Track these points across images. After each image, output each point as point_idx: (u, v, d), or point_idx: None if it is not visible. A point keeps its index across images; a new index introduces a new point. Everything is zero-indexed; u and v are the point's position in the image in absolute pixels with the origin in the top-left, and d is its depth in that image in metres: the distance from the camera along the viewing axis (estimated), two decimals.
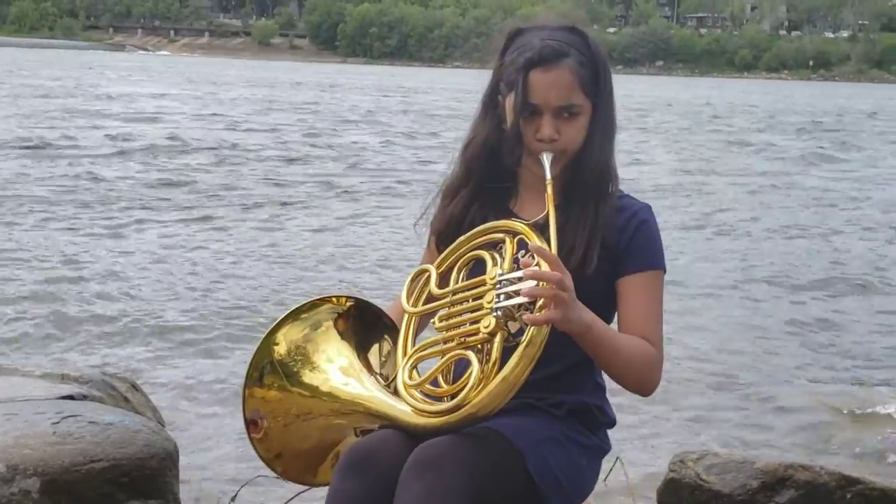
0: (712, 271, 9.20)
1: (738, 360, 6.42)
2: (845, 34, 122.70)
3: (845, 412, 5.32)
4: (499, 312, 2.02)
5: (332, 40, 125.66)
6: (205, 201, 12.07)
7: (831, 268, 9.59)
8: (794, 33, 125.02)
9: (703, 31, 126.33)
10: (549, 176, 2.19)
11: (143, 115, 23.81)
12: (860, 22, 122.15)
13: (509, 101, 2.22)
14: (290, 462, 2.24)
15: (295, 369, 2.20)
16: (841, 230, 11.97)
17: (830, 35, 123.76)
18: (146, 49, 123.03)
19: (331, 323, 2.25)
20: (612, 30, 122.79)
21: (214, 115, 25.22)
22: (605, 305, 2.23)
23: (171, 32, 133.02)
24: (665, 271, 2.28)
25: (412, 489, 1.95)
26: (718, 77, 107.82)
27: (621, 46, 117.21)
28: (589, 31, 2.28)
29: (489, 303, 2.05)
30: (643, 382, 2.20)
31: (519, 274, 2.03)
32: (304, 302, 2.26)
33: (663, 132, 26.43)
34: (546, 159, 2.20)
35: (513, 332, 2.04)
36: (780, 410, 5.41)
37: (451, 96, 38.18)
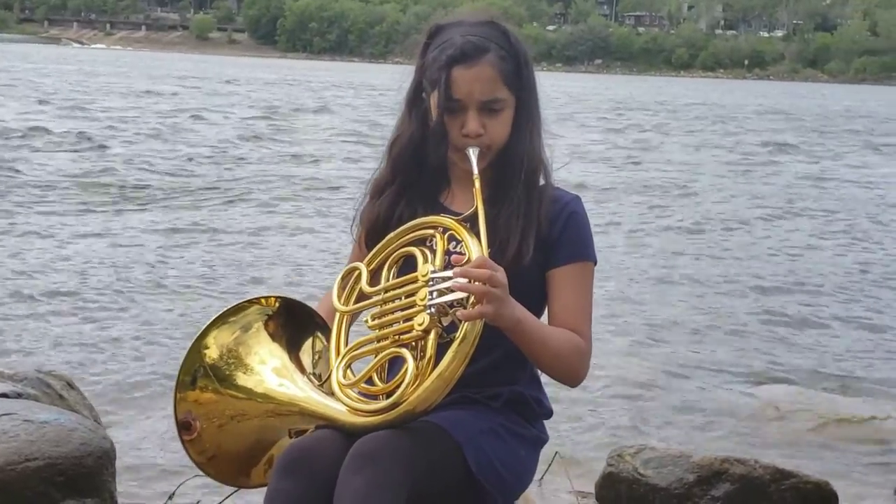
0: (646, 267, 9.29)
1: (677, 355, 6.48)
2: (780, 33, 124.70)
3: (782, 409, 5.39)
4: (432, 309, 2.03)
5: (272, 35, 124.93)
6: (154, 198, 11.93)
7: (774, 265, 9.73)
8: (729, 32, 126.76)
9: (640, 29, 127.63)
10: (475, 171, 2.20)
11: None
12: (794, 21, 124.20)
13: (433, 99, 2.23)
14: (223, 464, 2.22)
15: (228, 372, 2.18)
16: (783, 227, 12.15)
17: (765, 34, 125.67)
18: (81, 42, 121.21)
19: (261, 324, 2.24)
20: (551, 27, 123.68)
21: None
22: (537, 296, 2.25)
23: (108, 26, 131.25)
24: (595, 263, 2.30)
25: (352, 484, 1.95)
26: (656, 75, 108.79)
27: (560, 44, 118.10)
28: (510, 26, 2.29)
29: (422, 300, 2.05)
30: (571, 374, 2.21)
31: (451, 272, 2.03)
32: (231, 305, 2.24)
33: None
34: (473, 154, 2.22)
35: (445, 327, 2.05)
36: (717, 406, 5.47)
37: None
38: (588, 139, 22.91)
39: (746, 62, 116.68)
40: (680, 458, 3.70)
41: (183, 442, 2.20)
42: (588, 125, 27.55)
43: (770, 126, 30.98)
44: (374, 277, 2.22)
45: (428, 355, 2.03)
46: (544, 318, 2.25)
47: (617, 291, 8.11)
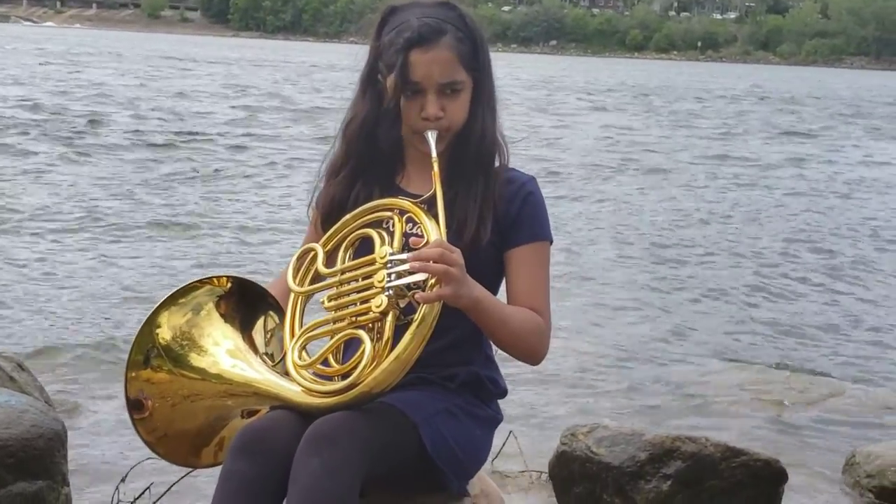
0: (603, 246, 9.35)
1: (631, 334, 6.54)
2: (732, 16, 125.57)
3: (735, 387, 5.45)
4: (390, 291, 2.02)
5: (225, 13, 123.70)
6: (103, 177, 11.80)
7: (730, 247, 9.83)
8: (683, 14, 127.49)
9: (595, 11, 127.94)
10: (434, 154, 2.20)
11: None
12: (747, 4, 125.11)
13: (390, 81, 2.21)
14: (173, 444, 2.21)
15: (182, 353, 2.17)
16: (736, 214, 12.27)
17: (718, 16, 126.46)
18: (32, 20, 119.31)
19: (212, 305, 2.22)
20: (506, 8, 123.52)
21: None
22: (494, 277, 2.26)
23: (58, 3, 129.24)
24: (551, 242, 2.32)
25: (308, 465, 1.95)
26: (610, 57, 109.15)
27: (516, 25, 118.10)
28: (465, 7, 2.29)
29: (380, 282, 2.04)
30: (531, 352, 2.23)
31: (409, 255, 2.03)
32: (182, 285, 2.23)
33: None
34: (431, 137, 2.21)
35: (403, 308, 2.05)
36: (670, 385, 5.53)
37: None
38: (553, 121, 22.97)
39: (699, 44, 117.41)
40: (632, 436, 3.73)
41: (133, 421, 2.18)
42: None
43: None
44: (330, 259, 2.21)
45: (385, 337, 2.03)
46: (503, 297, 2.26)
47: (572, 270, 8.15)
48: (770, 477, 3.76)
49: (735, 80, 56.36)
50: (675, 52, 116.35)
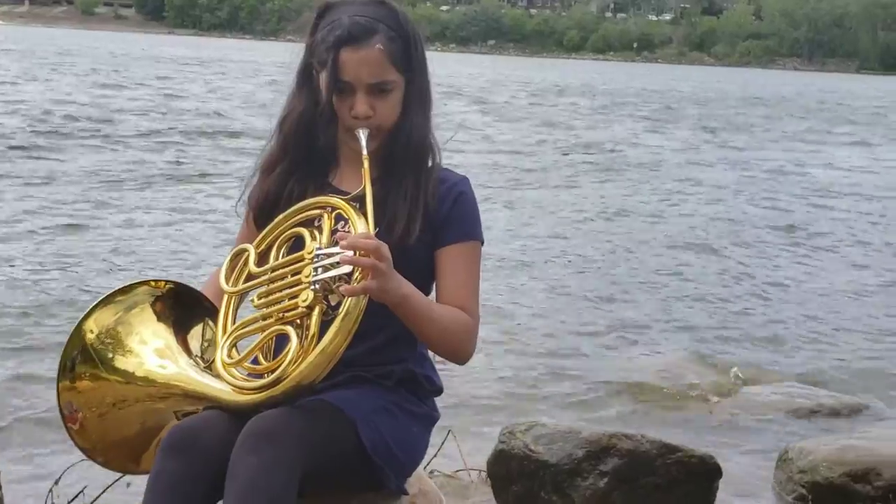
0: (542, 242, 9.40)
1: (570, 333, 6.58)
2: (668, 17, 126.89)
3: (671, 383, 5.52)
4: (316, 286, 2.02)
5: (160, 11, 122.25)
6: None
7: (666, 241, 9.94)
8: (619, 15, 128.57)
9: (533, 11, 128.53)
10: (365, 152, 2.20)
11: None
12: (682, 5, 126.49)
13: (323, 79, 2.22)
14: (111, 452, 2.19)
15: (108, 355, 2.14)
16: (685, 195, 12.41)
17: (654, 18, 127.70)
18: None
19: (147, 305, 2.20)
20: (444, 8, 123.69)
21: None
22: (425, 276, 2.26)
23: None
24: (483, 242, 2.32)
25: (246, 462, 1.93)
26: (547, 57, 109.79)
27: (454, 25, 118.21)
28: (400, 6, 2.27)
29: (307, 277, 2.04)
30: (458, 351, 2.23)
31: (336, 248, 2.03)
32: (118, 287, 2.20)
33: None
34: (362, 135, 2.21)
35: (332, 305, 2.04)
36: (608, 382, 5.57)
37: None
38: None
39: (636, 45, 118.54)
40: (569, 433, 3.77)
41: (68, 431, 2.15)
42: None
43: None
44: (262, 259, 2.20)
45: (311, 332, 2.02)
46: (432, 296, 2.26)
47: (506, 268, 8.18)
48: (705, 473, 3.82)
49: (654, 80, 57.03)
50: (611, 53, 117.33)
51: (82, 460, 3.32)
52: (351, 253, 1.99)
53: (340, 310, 2.01)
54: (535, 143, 19.01)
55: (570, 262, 8.81)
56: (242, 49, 65.58)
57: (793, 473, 4.15)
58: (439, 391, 2.37)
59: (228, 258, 2.23)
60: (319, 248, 2.07)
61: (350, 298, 2.00)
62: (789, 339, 6.76)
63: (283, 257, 2.17)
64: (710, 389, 5.40)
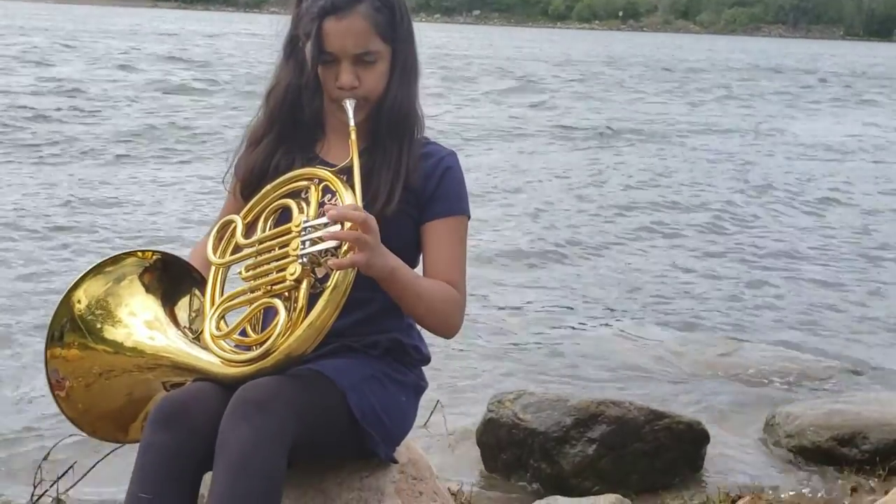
0: (529, 217, 9.40)
1: (555, 301, 6.60)
2: None
3: (659, 351, 5.54)
4: (304, 259, 2.02)
5: None
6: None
7: (641, 212, 9.95)
8: None
9: None
10: (352, 123, 2.19)
11: None
12: None
13: (308, 50, 2.21)
14: (98, 421, 2.20)
15: (97, 325, 2.14)
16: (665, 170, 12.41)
17: None
18: None
19: (135, 276, 2.20)
20: None
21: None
22: (412, 250, 2.26)
23: None
24: (469, 217, 2.32)
25: (238, 430, 1.94)
26: (533, 27, 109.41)
27: None
28: None
29: (295, 250, 2.05)
30: (446, 326, 2.24)
31: (324, 220, 2.03)
32: (106, 257, 2.20)
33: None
34: (349, 106, 2.21)
35: (319, 277, 2.05)
36: (595, 350, 5.59)
37: None
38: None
39: (621, 13, 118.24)
40: (558, 402, 3.79)
41: (56, 399, 2.16)
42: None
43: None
44: (249, 230, 2.20)
45: (300, 305, 2.03)
46: (419, 271, 2.27)
47: (503, 241, 8.19)
48: (692, 439, 3.85)
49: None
50: (596, 22, 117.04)
51: (72, 434, 3.35)
52: (338, 227, 1.99)
53: (329, 283, 2.02)
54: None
55: (553, 233, 8.82)
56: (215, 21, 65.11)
57: (780, 438, 4.19)
58: (426, 360, 2.38)
59: (216, 229, 2.24)
60: (307, 221, 2.07)
61: (338, 272, 2.00)
62: (776, 304, 6.79)
63: (270, 229, 2.17)
64: (697, 356, 5.43)
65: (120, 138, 12.96)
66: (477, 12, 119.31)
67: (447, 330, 2.25)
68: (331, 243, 2.00)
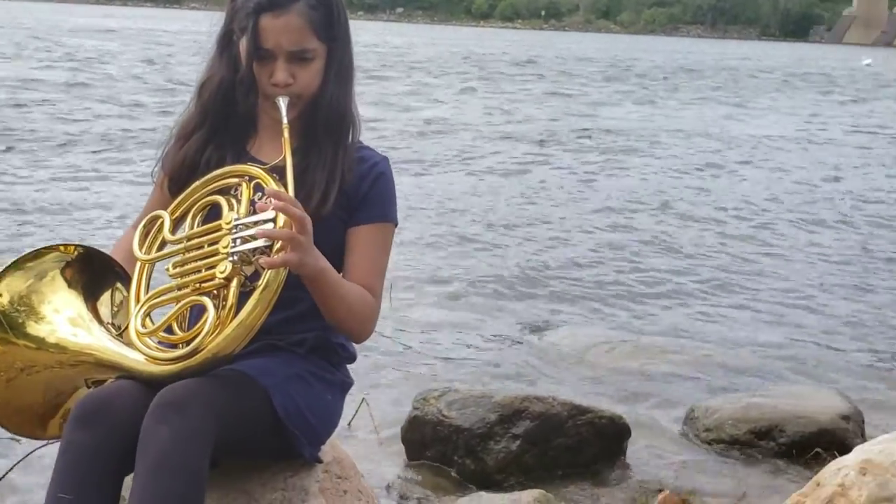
0: (451, 219, 9.43)
1: (479, 300, 6.62)
2: None
3: (582, 346, 5.58)
4: (235, 257, 2.01)
5: None
6: None
7: (565, 206, 10.05)
8: None
9: None
10: (285, 120, 2.18)
11: None
12: None
13: (243, 45, 2.20)
14: (17, 416, 2.16)
15: (19, 321, 2.11)
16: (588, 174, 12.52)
17: None
18: None
19: (57, 272, 2.17)
20: None
21: None
22: (338, 252, 2.26)
23: None
24: (396, 224, 2.33)
25: (157, 433, 1.92)
26: (457, 25, 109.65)
27: None
28: None
29: (225, 248, 2.03)
30: (361, 330, 2.24)
31: (255, 218, 2.02)
32: (27, 252, 2.16)
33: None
34: (282, 104, 2.20)
35: (249, 276, 2.04)
36: (520, 346, 5.63)
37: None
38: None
39: (543, 13, 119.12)
40: (482, 398, 3.81)
41: None
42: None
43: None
44: (177, 226, 2.19)
45: (229, 303, 2.02)
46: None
47: (424, 240, 8.20)
48: (614, 433, 3.90)
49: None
50: (519, 21, 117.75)
51: None
52: (271, 225, 1.98)
53: (260, 282, 2.01)
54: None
55: (472, 225, 8.87)
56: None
57: (700, 431, 4.26)
58: (353, 358, 2.38)
59: (142, 224, 2.21)
60: (238, 219, 2.06)
61: (270, 271, 1.99)
62: (696, 299, 6.90)
63: (198, 225, 2.16)
64: (619, 351, 5.49)
65: None
66: (400, 10, 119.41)
67: (360, 335, 2.26)
68: (263, 241, 1.99)
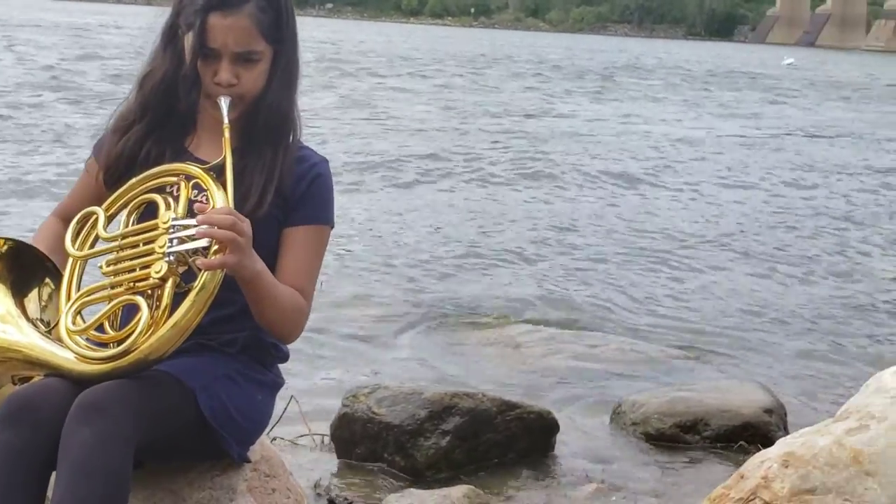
0: (377, 215, 9.43)
1: (410, 295, 6.63)
2: None
3: (511, 342, 5.62)
4: (171, 257, 1.99)
5: None
6: None
7: (494, 200, 10.09)
8: None
9: None
10: (226, 120, 2.16)
11: None
12: None
13: (188, 41, 2.17)
14: None
15: None
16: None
17: None
18: None
19: None
20: None
21: None
22: (273, 253, 2.24)
23: None
24: (332, 227, 2.32)
25: (79, 435, 1.90)
26: (387, 21, 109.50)
27: None
28: None
29: (161, 247, 2.01)
30: (289, 332, 2.24)
31: (193, 220, 2.00)
32: None
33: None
34: (224, 103, 2.17)
35: (184, 277, 2.02)
36: (450, 343, 5.65)
37: None
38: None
39: (473, 10, 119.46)
40: (412, 395, 3.82)
41: None
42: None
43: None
44: (111, 223, 2.15)
45: (164, 304, 2.00)
46: None
47: (352, 237, 8.19)
48: (543, 428, 3.94)
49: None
50: (449, 18, 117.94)
51: None
52: (209, 227, 1.96)
53: (196, 283, 1.99)
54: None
55: (404, 222, 8.87)
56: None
57: (626, 425, 4.31)
58: (285, 358, 2.37)
59: (76, 220, 2.17)
60: (176, 219, 2.03)
61: (206, 272, 1.98)
62: (623, 294, 6.98)
63: (134, 223, 2.13)
64: (547, 346, 5.53)
65: None
66: (330, 5, 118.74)
67: (289, 337, 2.25)
68: (201, 242, 1.97)
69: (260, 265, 2.07)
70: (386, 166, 12.23)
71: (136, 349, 1.98)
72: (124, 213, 2.16)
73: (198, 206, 2.04)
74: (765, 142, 17.59)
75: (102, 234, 2.13)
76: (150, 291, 2.02)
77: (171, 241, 2.01)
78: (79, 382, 2.00)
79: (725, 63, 51.58)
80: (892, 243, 9.43)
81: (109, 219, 2.16)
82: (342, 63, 29.89)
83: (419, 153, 13.49)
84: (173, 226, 2.02)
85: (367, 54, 37.34)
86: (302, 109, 2.33)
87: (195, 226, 1.99)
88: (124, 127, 2.27)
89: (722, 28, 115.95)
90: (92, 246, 2.15)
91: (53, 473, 1.96)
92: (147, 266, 2.02)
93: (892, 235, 9.76)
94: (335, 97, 20.13)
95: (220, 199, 2.06)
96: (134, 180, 2.18)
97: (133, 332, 1.99)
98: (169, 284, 2.00)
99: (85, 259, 2.15)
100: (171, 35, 2.23)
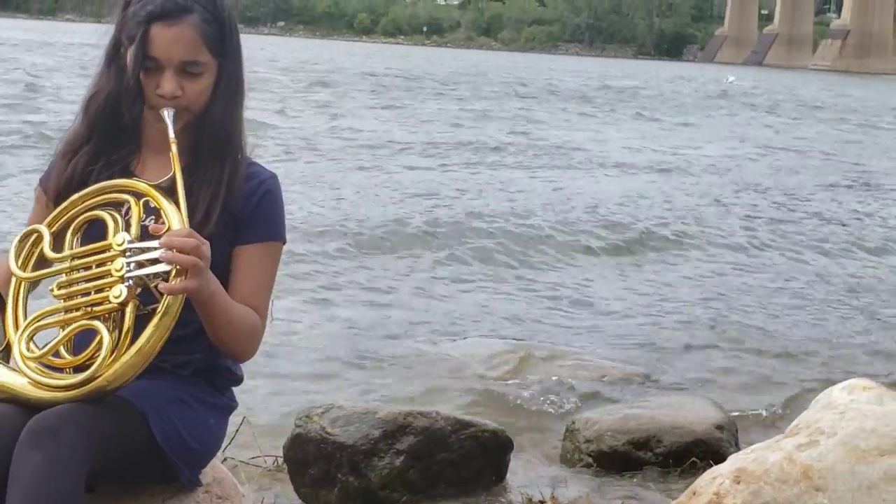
0: (338, 230, 9.41)
1: (363, 314, 6.62)
2: (456, 2, 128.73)
3: (465, 361, 5.63)
4: (131, 281, 1.96)
5: None
6: None
7: (466, 220, 10.12)
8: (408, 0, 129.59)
9: None
10: (171, 133, 2.13)
11: None
12: None
13: (131, 54, 2.15)
14: None
15: None
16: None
17: (442, 2, 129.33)
18: None
19: None
20: None
21: None
22: (225, 271, 2.21)
23: None
24: (284, 243, 2.31)
25: (30, 460, 1.87)
26: (339, 40, 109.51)
27: (242, 5, 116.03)
28: None
29: (118, 270, 1.97)
30: (246, 351, 2.22)
31: (154, 243, 1.96)
32: None
33: None
34: (168, 116, 2.14)
35: (141, 300, 1.99)
36: (405, 362, 5.65)
37: None
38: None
39: (425, 29, 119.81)
40: (366, 414, 3.80)
41: None
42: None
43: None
44: (56, 241, 2.10)
45: (125, 329, 1.96)
46: None
47: (313, 255, 8.16)
48: (497, 447, 3.93)
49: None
50: (402, 37, 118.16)
51: None
52: (171, 251, 1.94)
53: (160, 307, 1.95)
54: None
55: (359, 244, 8.86)
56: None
57: (580, 443, 4.32)
58: (239, 381, 2.35)
59: (17, 239, 2.12)
60: (132, 242, 1.99)
61: (169, 296, 1.95)
62: (576, 312, 7.01)
63: (79, 242, 2.08)
64: (501, 365, 5.55)
65: None
66: (282, 24, 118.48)
67: (244, 355, 2.24)
68: (162, 267, 1.94)
69: (214, 286, 2.05)
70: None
71: (99, 376, 1.94)
72: (69, 231, 2.11)
73: (153, 227, 2.01)
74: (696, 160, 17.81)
75: (49, 254, 2.07)
76: (108, 315, 1.99)
77: (129, 264, 1.97)
78: (33, 409, 1.97)
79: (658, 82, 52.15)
80: (843, 258, 9.58)
81: (54, 237, 2.11)
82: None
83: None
84: (129, 249, 1.99)
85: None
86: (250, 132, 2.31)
87: (154, 248, 1.95)
88: (71, 151, 2.24)
89: (671, 48, 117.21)
90: (38, 267, 2.10)
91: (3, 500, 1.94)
92: (102, 289, 1.98)
93: (843, 251, 9.91)
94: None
95: (175, 218, 2.03)
96: (75, 197, 2.13)
97: (94, 358, 1.95)
98: (130, 308, 1.97)
99: (32, 280, 2.10)
100: (113, 52, 2.21)
